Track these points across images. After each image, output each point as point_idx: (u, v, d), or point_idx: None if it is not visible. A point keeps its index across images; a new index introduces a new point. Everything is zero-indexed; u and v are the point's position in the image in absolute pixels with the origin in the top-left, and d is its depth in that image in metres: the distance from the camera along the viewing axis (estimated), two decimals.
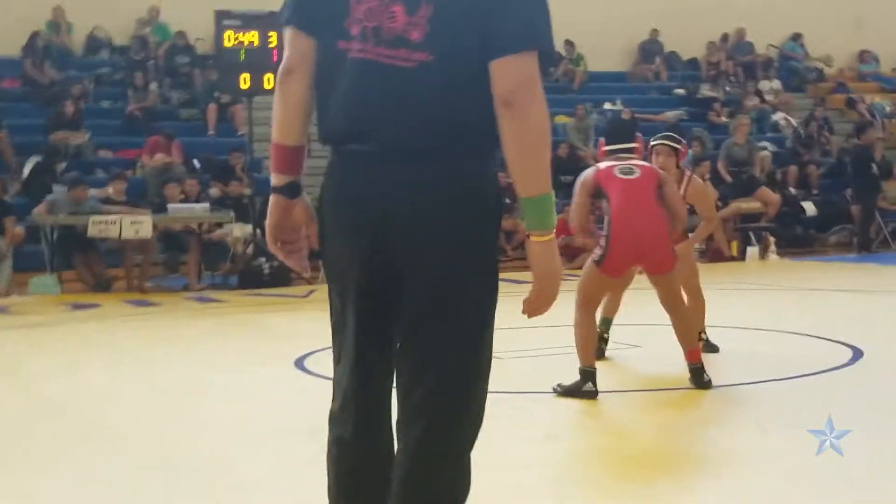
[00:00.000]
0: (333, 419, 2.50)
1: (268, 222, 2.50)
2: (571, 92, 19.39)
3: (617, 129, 6.27)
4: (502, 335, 2.78)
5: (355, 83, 2.32)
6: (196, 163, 14.69)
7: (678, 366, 5.76)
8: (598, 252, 5.59)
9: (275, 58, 12.22)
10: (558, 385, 5.60)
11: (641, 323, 7.75)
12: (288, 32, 2.41)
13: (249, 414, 5.33)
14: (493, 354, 2.47)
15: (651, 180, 5.63)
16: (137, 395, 5.88)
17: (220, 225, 12.62)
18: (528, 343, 6.91)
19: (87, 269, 11.59)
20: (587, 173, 5.78)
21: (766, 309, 9.09)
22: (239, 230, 12.83)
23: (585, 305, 5.61)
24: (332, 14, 2.34)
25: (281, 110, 2.43)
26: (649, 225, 5.52)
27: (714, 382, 5.61)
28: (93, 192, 12.32)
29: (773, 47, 21.26)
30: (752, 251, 13.86)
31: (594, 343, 5.71)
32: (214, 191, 13.88)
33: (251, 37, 12.05)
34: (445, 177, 2.32)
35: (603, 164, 5.78)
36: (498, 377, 2.69)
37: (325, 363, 6.59)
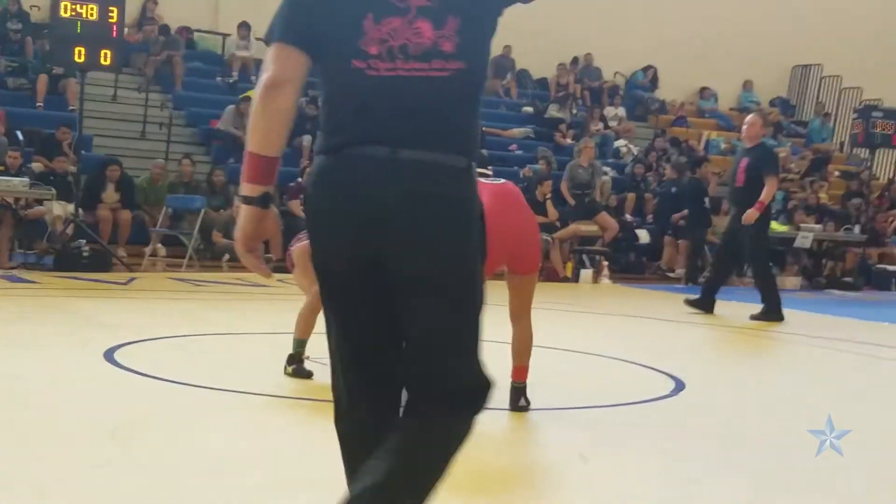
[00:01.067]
0: (342, 419, 2.66)
1: (240, 232, 2.54)
2: None
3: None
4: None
5: (384, 97, 2.45)
6: (19, 134, 13.89)
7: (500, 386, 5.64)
8: None
9: (114, 33, 11.70)
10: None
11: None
12: (276, 48, 2.50)
13: (46, 408, 4.91)
14: None
15: (516, 189, 5.59)
16: None
17: (39, 202, 11.96)
18: None
19: None
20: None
21: (594, 333, 9.12)
22: (59, 208, 12.19)
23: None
24: (341, 35, 2.47)
25: (264, 122, 2.48)
26: (521, 222, 5.39)
27: (536, 405, 5.51)
28: None
29: (621, 75, 21.71)
30: (586, 274, 14.02)
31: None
32: (37, 165, 13.18)
33: (90, 10, 11.45)
34: (454, 178, 2.47)
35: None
36: None
37: (137, 357, 6.28)
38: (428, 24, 2.45)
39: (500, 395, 5.56)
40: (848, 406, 6.15)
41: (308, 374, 5.95)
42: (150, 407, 5.01)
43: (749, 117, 10.91)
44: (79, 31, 11.50)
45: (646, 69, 21.62)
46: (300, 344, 5.99)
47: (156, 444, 4.39)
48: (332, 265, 2.56)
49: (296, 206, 14.69)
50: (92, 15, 11.43)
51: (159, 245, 13.36)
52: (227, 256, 13.50)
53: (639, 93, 21.55)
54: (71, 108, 15.50)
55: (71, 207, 12.32)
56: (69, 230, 11.71)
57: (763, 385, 6.88)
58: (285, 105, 2.48)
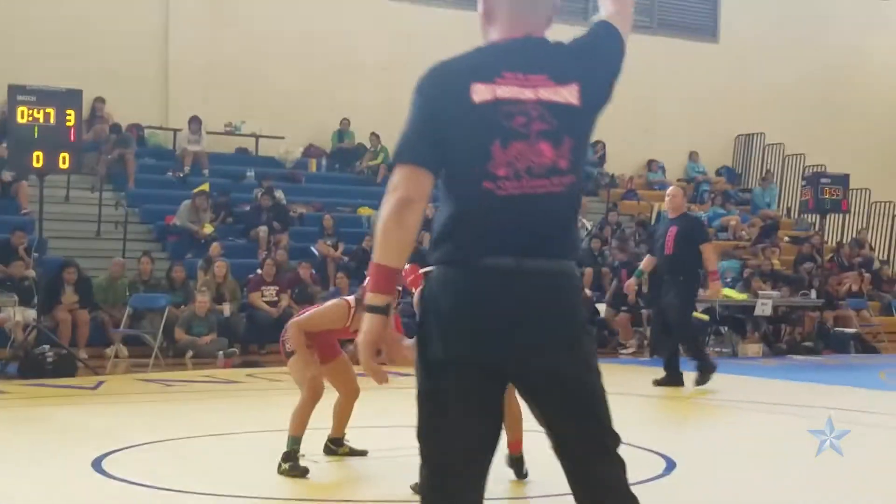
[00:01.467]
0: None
1: (366, 338, 2.70)
2: (375, 184, 19.42)
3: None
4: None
5: (511, 212, 2.71)
6: None
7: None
8: None
9: (72, 136, 11.66)
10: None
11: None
12: (406, 169, 2.74)
13: None
14: None
15: None
16: None
17: None
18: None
19: None
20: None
21: None
22: (18, 314, 12.01)
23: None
24: (471, 160, 2.72)
25: (397, 236, 2.69)
26: None
27: (534, 492, 5.51)
28: None
29: None
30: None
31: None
32: None
33: (47, 114, 11.43)
34: (569, 281, 2.78)
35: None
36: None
37: (127, 466, 6.15)
38: (548, 145, 2.74)
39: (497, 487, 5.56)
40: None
41: (304, 472, 5.88)
42: None
43: (670, 189, 11.24)
44: (36, 135, 11.45)
45: (594, 144, 21.95)
46: (296, 441, 5.93)
47: None
48: (448, 370, 2.73)
49: (256, 299, 14.63)
50: (49, 119, 11.39)
51: (118, 345, 13.19)
52: (190, 353, 13.36)
53: (588, 169, 21.86)
54: (24, 211, 15.37)
55: (30, 312, 12.15)
56: (31, 336, 11.51)
57: (754, 460, 6.92)
58: (415, 222, 2.71)
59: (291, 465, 5.88)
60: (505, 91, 2.73)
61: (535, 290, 2.71)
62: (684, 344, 11.03)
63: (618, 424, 7.27)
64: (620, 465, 2.88)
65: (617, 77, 2.97)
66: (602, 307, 16.22)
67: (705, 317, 15.49)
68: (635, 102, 22.27)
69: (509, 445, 5.73)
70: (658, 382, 10.58)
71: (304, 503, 5.40)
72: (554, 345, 2.73)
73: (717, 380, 10.60)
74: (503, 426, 5.44)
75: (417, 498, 4.82)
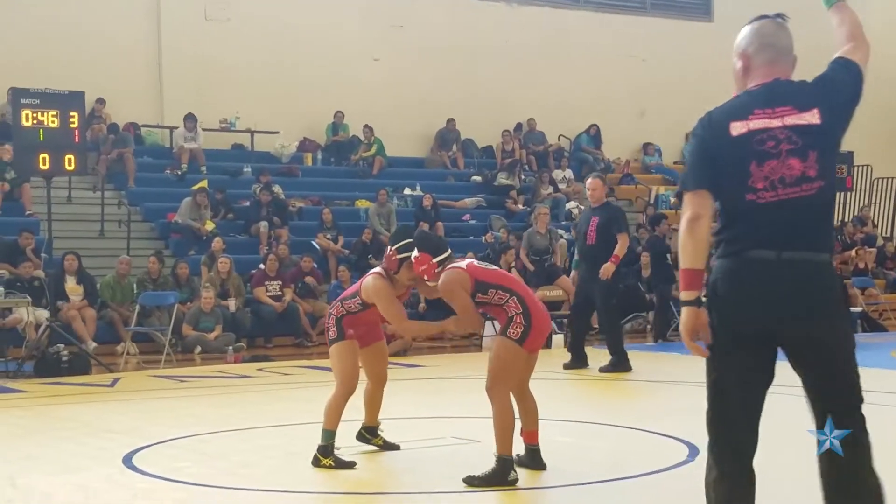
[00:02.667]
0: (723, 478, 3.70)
1: (686, 327, 3.51)
2: (371, 177, 19.53)
3: (437, 242, 6.23)
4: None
5: (769, 215, 3.46)
6: None
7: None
8: (517, 330, 5.53)
9: (76, 137, 11.74)
10: (472, 477, 5.49)
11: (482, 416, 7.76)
12: (691, 193, 3.55)
13: None
14: None
15: None
16: None
17: (9, 309, 11.88)
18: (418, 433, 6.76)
19: None
20: (453, 274, 5.69)
21: (587, 400, 9.25)
22: (32, 315, 12.11)
23: (508, 388, 5.61)
24: (736, 179, 3.50)
25: (692, 245, 3.51)
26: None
27: (561, 481, 5.65)
28: None
29: (565, 138, 22.14)
30: (557, 339, 14.15)
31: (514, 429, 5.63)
32: (2, 273, 13.10)
33: (51, 116, 11.51)
34: (824, 269, 3.50)
35: (460, 264, 5.80)
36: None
37: (157, 463, 6.28)
38: (796, 159, 3.47)
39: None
40: None
41: (351, 464, 5.97)
42: None
43: (590, 182, 11.44)
44: (41, 138, 11.53)
45: (588, 128, 22.08)
46: (331, 435, 6.01)
47: None
48: (735, 340, 3.51)
49: (261, 294, 14.74)
50: (53, 122, 11.47)
51: (127, 343, 13.28)
52: (198, 349, 13.48)
53: (583, 154, 21.97)
54: (28, 212, 15.46)
55: (42, 312, 12.25)
56: (45, 336, 11.62)
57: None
58: (704, 233, 3.52)
59: (335, 459, 5.95)
60: (756, 124, 3.52)
61: (793, 275, 3.44)
62: (606, 330, 11.36)
63: (640, 413, 7.35)
64: (862, 420, 3.62)
65: (856, 101, 3.59)
66: None
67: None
68: (629, 85, 22.42)
69: (527, 436, 5.85)
70: (603, 369, 10.82)
71: (330, 496, 5.51)
72: (812, 317, 3.45)
73: None
74: (525, 418, 5.70)
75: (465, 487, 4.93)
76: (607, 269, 10.69)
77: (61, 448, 6.87)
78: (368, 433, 6.51)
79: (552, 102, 21.66)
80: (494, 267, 5.97)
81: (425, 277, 5.83)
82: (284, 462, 6.29)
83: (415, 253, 5.85)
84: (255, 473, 5.97)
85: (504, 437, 5.53)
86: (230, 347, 13.29)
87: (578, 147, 22.09)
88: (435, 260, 5.81)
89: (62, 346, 11.38)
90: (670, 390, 9.73)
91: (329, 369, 11.27)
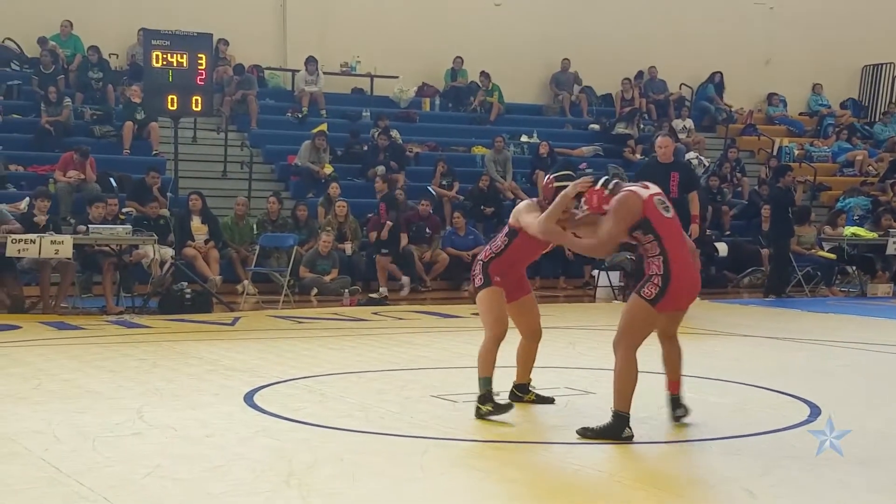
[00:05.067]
0: None
1: None
2: (488, 123, 19.45)
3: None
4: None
5: None
6: (112, 181, 14.24)
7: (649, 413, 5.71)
8: (651, 290, 5.41)
9: (203, 79, 11.95)
10: (586, 429, 5.51)
11: (595, 367, 7.75)
12: None
13: (212, 458, 5.03)
14: None
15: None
16: (90, 434, 5.54)
17: (135, 246, 12.25)
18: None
19: (3, 289, 11.14)
20: (629, 199, 5.44)
21: (708, 356, 9.12)
22: (158, 252, 12.46)
23: (636, 347, 5.55)
24: None
25: None
26: (694, 265, 5.69)
27: (683, 437, 5.61)
28: (3, 207, 11.82)
29: (686, 87, 21.67)
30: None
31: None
32: (130, 210, 13.48)
33: (180, 58, 11.73)
34: None
35: (641, 192, 5.49)
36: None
37: (276, 402, 6.42)
38: None
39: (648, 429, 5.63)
40: None
41: (509, 407, 5.96)
42: (311, 454, 5.12)
43: (660, 139, 11.66)
44: (170, 79, 11.78)
45: (712, 75, 21.56)
46: (488, 382, 5.97)
47: (332, 490, 4.51)
48: None
49: (374, 238, 14.86)
50: (182, 63, 11.69)
51: (247, 282, 13.57)
52: (315, 291, 13.70)
53: (705, 103, 21.49)
54: (155, 152, 15.85)
55: (167, 251, 12.59)
56: (170, 273, 11.96)
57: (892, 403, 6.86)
58: None
59: (493, 405, 5.91)
60: None
61: None
62: None
63: (761, 370, 7.20)
64: None
65: None
66: (722, 246, 16.03)
67: (832, 256, 15.22)
68: (754, 33, 21.78)
69: (672, 385, 5.91)
70: None
71: (443, 442, 5.54)
72: None
73: (847, 321, 10.48)
74: (668, 367, 5.70)
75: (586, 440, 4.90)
76: (694, 230, 11.19)
77: (185, 384, 7.08)
78: (519, 390, 6.40)
79: (674, 50, 21.20)
80: (672, 214, 5.54)
81: (602, 206, 5.50)
82: (400, 406, 6.37)
83: (599, 184, 5.62)
84: (371, 416, 6.05)
85: (623, 393, 5.48)
86: (346, 290, 13.47)
87: (701, 97, 21.61)
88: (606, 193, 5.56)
89: (186, 283, 11.69)
90: (789, 348, 9.54)
91: (444, 315, 11.38)
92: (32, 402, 6.35)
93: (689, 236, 10.64)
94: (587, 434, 5.49)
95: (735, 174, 18.38)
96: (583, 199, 5.66)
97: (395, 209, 14.83)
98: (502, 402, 6.02)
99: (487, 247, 6.18)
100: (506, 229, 6.11)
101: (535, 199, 6.08)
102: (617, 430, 5.44)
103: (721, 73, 21.43)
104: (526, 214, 5.89)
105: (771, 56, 22.05)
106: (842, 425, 5.93)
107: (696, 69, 21.54)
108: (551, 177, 5.93)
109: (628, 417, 5.47)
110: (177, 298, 11.46)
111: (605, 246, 5.67)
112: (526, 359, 6.38)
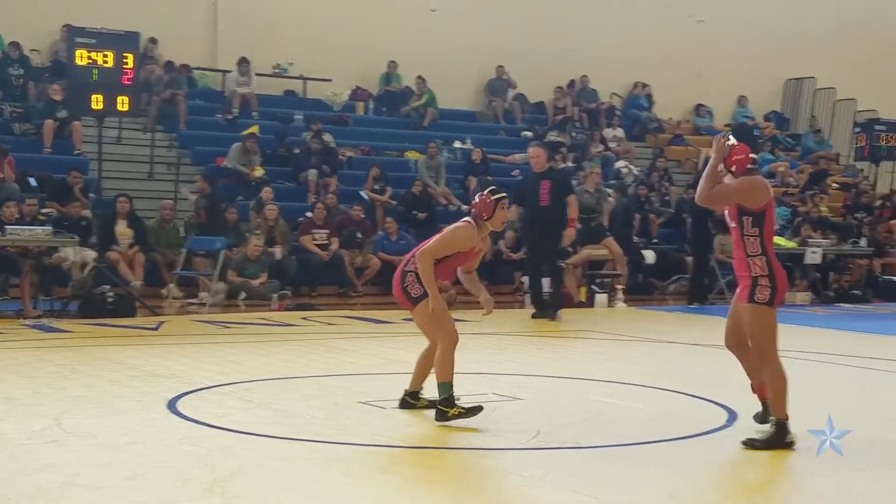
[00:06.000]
0: None
1: None
2: (422, 128, 19.44)
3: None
4: None
5: None
6: (31, 181, 13.91)
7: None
8: (764, 293, 5.52)
9: (129, 80, 11.77)
10: (753, 440, 5.55)
11: (522, 374, 7.77)
12: None
13: (133, 467, 4.93)
14: None
15: None
16: (7, 441, 5.39)
17: (55, 248, 12.00)
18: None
19: None
20: (762, 184, 5.61)
21: (630, 362, 9.20)
22: (76, 254, 12.21)
23: (776, 352, 5.60)
24: None
25: None
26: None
27: (607, 441, 5.63)
28: None
29: (617, 96, 21.89)
30: (601, 298, 14.10)
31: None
32: (50, 211, 13.19)
33: (105, 57, 11.54)
34: None
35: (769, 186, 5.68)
36: None
37: (201, 409, 6.32)
38: None
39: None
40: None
41: (478, 409, 5.94)
42: (236, 461, 5.05)
43: (532, 149, 12.50)
44: (94, 78, 11.57)
45: (642, 87, 21.84)
46: (451, 387, 5.96)
47: (256, 498, 4.45)
48: None
49: (307, 242, 14.76)
50: (107, 62, 11.50)
51: (172, 286, 13.38)
52: (243, 295, 13.56)
53: (635, 112, 21.74)
54: (77, 151, 15.54)
55: (89, 253, 12.34)
56: (91, 276, 11.73)
57: (808, 410, 6.97)
58: None
59: (463, 409, 5.91)
60: None
61: None
62: (554, 286, 12.39)
63: (682, 376, 7.27)
64: None
65: None
66: (649, 254, 16.20)
67: None
68: (684, 46, 22.10)
69: (760, 391, 5.87)
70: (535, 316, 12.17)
71: (371, 448, 5.50)
72: None
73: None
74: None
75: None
76: (570, 234, 12.03)
77: (106, 390, 6.93)
78: (412, 398, 6.41)
79: (607, 60, 21.39)
80: None
81: (734, 168, 5.60)
82: (327, 413, 6.31)
83: (733, 140, 5.70)
84: (299, 423, 5.99)
85: (778, 401, 5.55)
86: (275, 295, 13.35)
87: (631, 106, 21.84)
88: (752, 157, 5.70)
89: (108, 287, 11.47)
90: (710, 354, 9.66)
91: (375, 320, 11.31)
92: None
93: (563, 240, 11.38)
94: (755, 445, 5.52)
95: (663, 183, 18.59)
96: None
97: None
98: (470, 405, 5.99)
99: (423, 247, 6.15)
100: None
101: (467, 220, 6.16)
102: (781, 438, 5.49)
103: (648, 85, 21.72)
104: (448, 240, 6.08)
105: (700, 68, 22.38)
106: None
107: (627, 79, 21.79)
108: (487, 192, 6.13)
109: (786, 424, 5.52)
110: (98, 302, 11.24)
111: (713, 197, 5.61)
112: (426, 366, 6.35)
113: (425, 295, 6.01)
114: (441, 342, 6.03)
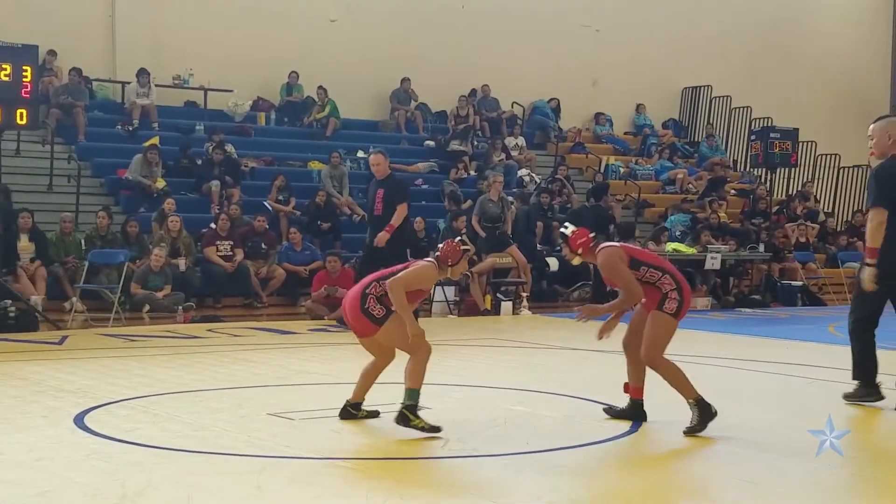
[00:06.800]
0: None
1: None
2: (324, 138, 19.46)
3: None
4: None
5: None
6: None
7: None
8: (672, 305, 6.22)
9: (29, 92, 11.57)
10: (691, 428, 6.09)
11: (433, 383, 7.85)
12: (876, 209, 6.86)
13: (39, 484, 4.90)
14: None
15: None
16: None
17: None
18: (318, 403, 6.81)
19: None
20: (616, 252, 6.31)
21: (538, 369, 9.36)
22: None
23: (663, 354, 6.28)
24: None
25: (878, 236, 6.82)
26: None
27: (509, 449, 5.76)
28: None
29: (518, 105, 22.18)
30: (506, 306, 14.29)
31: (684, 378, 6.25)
32: None
33: (3, 70, 11.34)
34: None
35: (617, 244, 6.54)
36: None
37: (108, 423, 6.28)
38: None
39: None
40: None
41: (438, 429, 6.01)
42: (146, 476, 5.05)
43: (373, 157, 12.26)
44: None
45: (549, 100, 22.19)
46: (417, 394, 6.05)
47: None
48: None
49: (211, 253, 14.68)
50: (6, 75, 11.31)
51: (75, 300, 13.18)
52: (147, 307, 13.43)
53: (542, 119, 22.02)
54: None
55: None
56: None
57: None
58: (883, 227, 6.72)
59: (427, 425, 5.99)
60: None
61: None
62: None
63: (589, 383, 7.43)
64: None
65: None
66: (553, 261, 16.46)
67: None
68: (582, 55, 22.51)
69: (634, 392, 6.55)
70: None
71: (281, 461, 5.55)
72: None
73: None
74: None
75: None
76: (382, 237, 11.39)
77: (10, 406, 6.85)
78: (354, 408, 6.43)
79: (507, 69, 21.67)
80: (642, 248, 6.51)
81: (580, 251, 6.36)
82: (236, 425, 6.33)
83: (571, 228, 6.45)
84: (208, 436, 6.00)
85: (684, 386, 6.22)
86: (180, 307, 13.24)
87: (538, 113, 22.13)
88: (591, 235, 6.43)
89: (9, 301, 11.28)
90: (613, 360, 9.86)
91: (281, 331, 11.30)
92: None
93: (376, 244, 11.25)
94: (695, 430, 6.07)
95: (564, 191, 18.91)
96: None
97: None
98: (432, 424, 6.02)
99: (376, 282, 6.19)
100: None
101: (431, 261, 6.31)
102: (707, 410, 6.13)
103: (558, 98, 22.09)
104: (414, 279, 6.19)
105: (598, 76, 22.81)
106: (660, 435, 6.22)
107: (528, 88, 22.09)
108: (458, 241, 6.43)
109: (703, 399, 6.15)
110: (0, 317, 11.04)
111: (635, 290, 6.27)
112: (372, 378, 6.43)
113: (388, 315, 6.08)
114: (416, 355, 6.12)
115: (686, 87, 24.16)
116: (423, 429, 5.98)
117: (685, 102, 24.29)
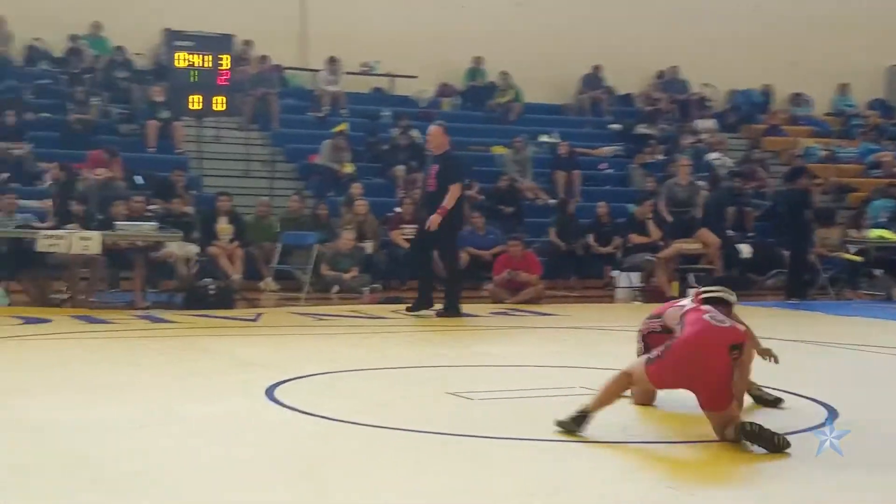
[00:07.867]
0: None
1: None
2: (507, 123, 19.53)
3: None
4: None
5: None
6: (138, 179, 14.43)
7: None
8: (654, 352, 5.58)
9: (226, 80, 12.13)
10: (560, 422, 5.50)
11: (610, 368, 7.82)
12: None
13: (231, 447, 5.14)
14: None
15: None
16: (116, 426, 5.66)
17: (161, 242, 12.42)
18: (497, 384, 6.89)
19: (33, 282, 11.39)
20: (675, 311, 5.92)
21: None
22: (180, 248, 12.62)
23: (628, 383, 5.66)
24: None
25: None
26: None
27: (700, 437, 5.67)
28: (32, 203, 12.09)
29: (709, 86, 21.64)
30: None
31: (609, 401, 5.55)
32: (156, 208, 13.65)
33: (204, 59, 11.91)
34: None
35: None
36: None
37: (298, 396, 6.52)
38: None
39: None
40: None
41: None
42: (331, 448, 5.23)
43: (431, 128, 11.43)
44: (193, 79, 11.94)
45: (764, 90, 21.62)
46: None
47: (350, 485, 4.61)
48: None
49: (397, 237, 14.97)
50: (206, 64, 11.86)
51: (269, 280, 13.73)
52: (336, 288, 13.84)
53: (748, 106, 21.46)
54: (178, 150, 16.02)
55: (192, 247, 12.76)
56: (194, 269, 12.14)
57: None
58: None
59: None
60: None
61: None
62: (449, 276, 11.32)
63: (777, 374, 7.16)
64: None
65: None
66: (745, 247, 15.98)
67: (858, 258, 15.15)
68: (781, 34, 21.73)
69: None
70: (439, 314, 11.10)
71: (454, 438, 5.58)
72: None
73: (871, 325, 10.45)
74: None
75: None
76: (434, 220, 10.73)
77: (210, 378, 7.20)
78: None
79: (695, 50, 21.19)
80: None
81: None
82: (416, 402, 6.47)
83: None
84: (388, 413, 6.15)
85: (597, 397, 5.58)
86: (366, 288, 13.59)
87: (741, 99, 21.56)
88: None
89: (210, 280, 11.86)
90: (809, 350, 9.58)
91: (465, 314, 11.35)
92: (68, 391, 6.49)
93: (427, 227, 10.66)
94: (566, 426, 5.48)
95: (758, 175, 18.35)
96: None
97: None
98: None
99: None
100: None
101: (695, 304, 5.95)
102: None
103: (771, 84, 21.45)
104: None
105: (797, 57, 21.96)
106: (857, 430, 5.98)
107: (718, 68, 21.52)
108: (701, 289, 6.14)
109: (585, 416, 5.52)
110: (201, 294, 11.63)
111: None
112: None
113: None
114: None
115: (893, 65, 22.94)
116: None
117: (892, 81, 23.04)
